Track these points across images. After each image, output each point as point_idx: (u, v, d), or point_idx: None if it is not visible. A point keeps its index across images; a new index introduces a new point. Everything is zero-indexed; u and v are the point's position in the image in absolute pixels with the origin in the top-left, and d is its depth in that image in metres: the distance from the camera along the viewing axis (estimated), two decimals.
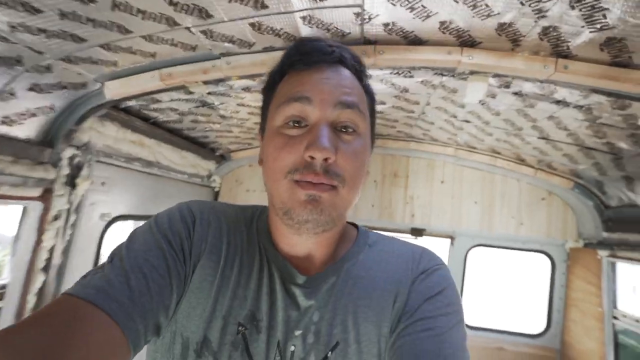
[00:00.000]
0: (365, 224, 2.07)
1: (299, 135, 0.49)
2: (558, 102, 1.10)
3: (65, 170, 1.13)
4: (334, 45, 0.54)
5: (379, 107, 1.45)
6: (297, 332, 0.49)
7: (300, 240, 0.53)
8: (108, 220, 1.43)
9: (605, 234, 1.84)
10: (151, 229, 0.51)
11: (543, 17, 0.75)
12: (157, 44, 0.90)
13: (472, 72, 0.96)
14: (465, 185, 2.14)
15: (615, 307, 1.80)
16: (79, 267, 1.26)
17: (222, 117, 1.55)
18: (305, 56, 0.52)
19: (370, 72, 1.08)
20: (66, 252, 1.21)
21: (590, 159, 1.55)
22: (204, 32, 0.87)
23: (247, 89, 1.24)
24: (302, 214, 0.47)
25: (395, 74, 1.07)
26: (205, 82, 1.08)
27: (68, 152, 1.13)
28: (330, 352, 0.48)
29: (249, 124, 1.69)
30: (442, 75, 1.06)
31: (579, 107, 1.11)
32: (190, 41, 0.91)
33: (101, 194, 1.37)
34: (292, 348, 0.49)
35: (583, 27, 0.75)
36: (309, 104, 0.49)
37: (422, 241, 2.50)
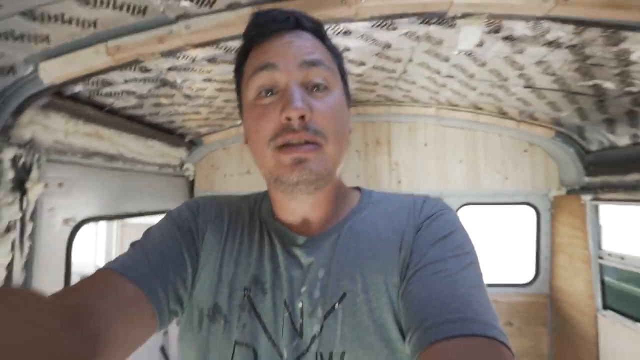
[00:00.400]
0: None
1: (272, 102, 0.50)
2: (550, 43, 1.04)
3: (9, 174, 0.97)
4: (289, 11, 0.54)
5: (358, 69, 1.34)
6: (303, 289, 0.51)
7: (296, 205, 0.55)
8: (73, 225, 1.27)
9: (587, 179, 1.87)
10: (163, 220, 0.58)
11: None
12: (95, 7, 0.74)
13: (464, 15, 0.87)
14: (448, 145, 2.10)
15: (600, 247, 1.86)
16: (46, 281, 1.12)
17: (187, 96, 1.39)
18: (263, 28, 0.53)
19: (351, 26, 0.97)
20: (28, 266, 1.06)
21: (573, 104, 1.53)
22: None
23: (212, 60, 1.10)
24: (291, 177, 0.48)
25: (377, 26, 0.96)
26: (163, 54, 0.92)
27: (8, 153, 0.96)
28: (337, 303, 0.49)
29: (218, 102, 1.54)
30: (429, 23, 0.96)
31: (571, 47, 1.05)
32: (138, 1, 0.76)
33: (60, 197, 1.21)
34: (300, 305, 0.51)
35: None
36: (275, 70, 0.50)
37: None
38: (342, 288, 0.50)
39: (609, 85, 1.28)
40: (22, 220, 1.03)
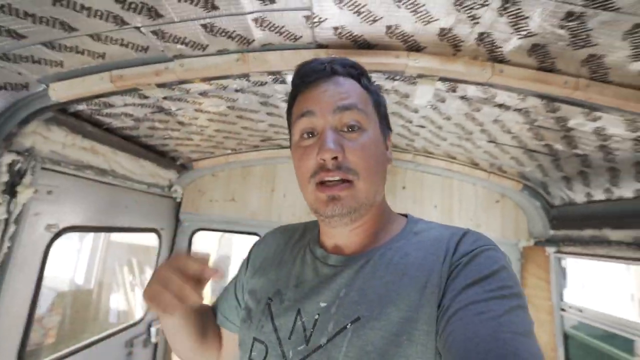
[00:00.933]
0: None
1: (312, 144, 0.59)
2: (500, 105, 1.19)
3: (4, 177, 1.06)
4: (326, 60, 0.63)
5: None
6: (323, 304, 0.57)
7: (335, 232, 0.63)
8: (55, 231, 1.34)
9: (551, 232, 1.98)
10: None
11: (477, 23, 0.82)
12: (105, 43, 0.89)
13: (419, 76, 1.02)
14: (425, 190, 2.22)
15: (562, 299, 1.92)
16: (17, 282, 1.17)
17: (181, 123, 1.53)
18: (304, 77, 0.63)
19: None
20: (3, 266, 1.12)
21: (533, 160, 1.68)
22: (154, 33, 0.86)
23: (204, 94, 1.24)
24: (327, 211, 0.57)
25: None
26: (159, 85, 1.06)
27: (7, 158, 1.06)
28: (350, 324, 0.53)
29: (209, 131, 1.67)
30: (394, 79, 1.11)
31: (518, 110, 1.20)
32: (142, 42, 0.90)
33: (47, 203, 1.29)
34: (316, 316, 0.57)
35: (512, 33, 0.83)
36: (313, 116, 0.59)
37: None
38: (357, 311, 0.53)
39: (558, 146, 1.43)
40: (7, 221, 1.10)
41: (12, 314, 1.18)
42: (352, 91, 0.61)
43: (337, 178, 0.56)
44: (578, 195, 1.73)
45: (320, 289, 0.59)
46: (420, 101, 1.14)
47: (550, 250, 1.95)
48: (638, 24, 0.70)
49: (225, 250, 5.33)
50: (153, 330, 2.14)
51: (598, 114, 1.06)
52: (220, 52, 0.98)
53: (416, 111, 1.41)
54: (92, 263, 6.32)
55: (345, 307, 0.55)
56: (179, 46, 0.93)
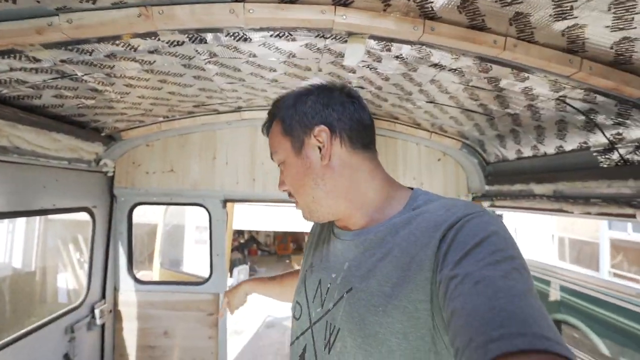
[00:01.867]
0: (275, 197, 2.02)
1: None
2: (435, 65, 1.16)
3: None
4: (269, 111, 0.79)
5: (271, 75, 1.38)
6: (333, 275, 0.68)
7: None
8: None
9: (487, 187, 2.10)
10: None
11: None
12: None
13: (349, 34, 0.94)
14: None
15: None
16: None
17: (95, 90, 1.34)
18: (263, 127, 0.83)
19: (250, 34, 1.00)
20: None
21: (470, 120, 1.71)
22: None
23: (112, 56, 1.07)
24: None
25: (275, 36, 1.01)
26: (46, 46, 0.89)
27: None
28: (345, 293, 0.63)
29: (131, 98, 1.49)
30: (324, 37, 1.03)
31: (453, 70, 1.18)
32: None
33: None
34: (328, 285, 0.68)
35: None
36: None
37: None
38: (351, 283, 0.63)
39: (492, 106, 1.46)
40: None
41: None
42: (272, 138, 0.76)
43: (292, 200, 0.76)
44: (510, 152, 1.82)
45: (333, 262, 0.71)
46: (351, 61, 1.07)
47: (485, 204, 2.08)
48: None
49: (178, 219, 5.14)
50: (97, 311, 2.04)
51: (526, 74, 1.08)
52: (117, 5, 0.82)
53: (354, 72, 1.35)
54: (29, 244, 5.84)
55: (345, 279, 0.65)
56: None
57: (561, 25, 0.83)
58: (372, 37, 0.95)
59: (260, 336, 5.56)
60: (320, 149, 0.68)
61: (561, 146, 1.48)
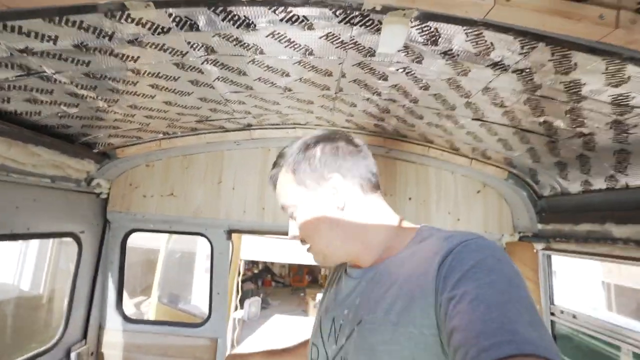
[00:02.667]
0: (285, 230, 1.73)
1: None
2: (495, 64, 0.88)
3: None
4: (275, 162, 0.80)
5: (283, 81, 1.14)
6: (346, 311, 0.71)
7: None
8: None
9: (540, 226, 1.73)
10: None
11: None
12: None
13: (387, 9, 0.68)
14: (398, 180, 1.92)
15: (552, 302, 1.69)
16: None
17: (74, 95, 1.13)
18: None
19: (252, 15, 0.76)
20: None
21: (524, 143, 1.40)
22: None
23: (81, 46, 0.85)
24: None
25: (286, 20, 0.76)
26: None
27: None
28: (356, 326, 0.65)
29: (120, 108, 1.27)
30: (351, 23, 0.77)
31: (519, 72, 0.90)
32: None
33: None
34: (341, 322, 0.71)
35: None
36: None
37: None
38: (361, 316, 0.64)
39: (559, 123, 1.15)
40: None
41: None
42: (280, 189, 0.77)
43: (305, 247, 0.78)
44: (573, 184, 1.48)
45: (345, 299, 0.72)
46: (389, 48, 0.81)
47: (539, 246, 1.71)
48: None
49: (183, 246, 4.86)
50: (74, 355, 1.75)
51: (627, 73, 0.78)
52: None
53: (385, 79, 1.09)
54: (40, 267, 5.70)
55: (355, 313, 0.66)
56: None
57: None
58: (419, 15, 0.69)
59: None
60: (334, 196, 0.71)
61: None
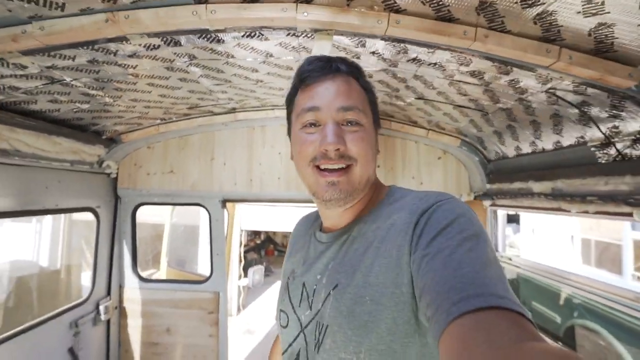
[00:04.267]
0: (273, 197, 2.04)
1: (314, 133, 0.66)
2: (414, 59, 1.14)
3: None
4: (332, 59, 0.70)
5: (254, 75, 1.39)
6: (319, 276, 0.69)
7: (330, 213, 0.72)
8: None
9: (488, 186, 2.03)
10: None
11: None
12: None
13: (315, 30, 0.94)
14: None
15: (497, 250, 2.02)
16: None
17: (87, 95, 1.39)
18: (311, 72, 0.68)
19: (220, 35, 1.01)
20: None
21: (465, 116, 1.66)
22: None
23: (93, 62, 1.11)
24: (325, 195, 0.65)
25: (246, 36, 1.01)
26: (25, 53, 0.93)
27: None
28: (331, 290, 0.64)
29: (124, 101, 1.54)
30: (296, 36, 1.02)
31: (433, 65, 1.15)
32: None
33: None
34: (314, 287, 0.69)
35: None
36: (318, 111, 0.66)
37: None
38: (337, 280, 0.64)
39: (483, 101, 1.41)
40: None
41: None
42: (353, 91, 0.68)
43: (337, 166, 0.64)
44: (509, 149, 1.75)
45: (316, 264, 0.72)
46: None
47: (487, 203, 2.01)
48: None
49: (184, 219, 5.25)
50: (102, 307, 2.12)
51: (507, 66, 1.03)
52: (85, 12, 0.85)
53: None
54: (55, 245, 6.13)
55: (330, 277, 0.66)
56: (27, 5, 0.80)
57: (531, 12, 0.79)
58: (338, 32, 0.94)
59: (272, 336, 5.60)
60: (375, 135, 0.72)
61: (559, 141, 1.41)
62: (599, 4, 0.71)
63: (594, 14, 0.75)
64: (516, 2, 0.76)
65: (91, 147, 1.86)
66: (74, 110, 1.52)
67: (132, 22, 0.87)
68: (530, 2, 0.75)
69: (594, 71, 0.89)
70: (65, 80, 1.22)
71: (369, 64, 1.24)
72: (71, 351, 1.87)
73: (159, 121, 1.96)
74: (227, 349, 2.30)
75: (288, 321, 0.73)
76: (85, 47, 0.98)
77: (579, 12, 0.75)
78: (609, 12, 0.73)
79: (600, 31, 0.80)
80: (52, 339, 1.76)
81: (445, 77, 1.24)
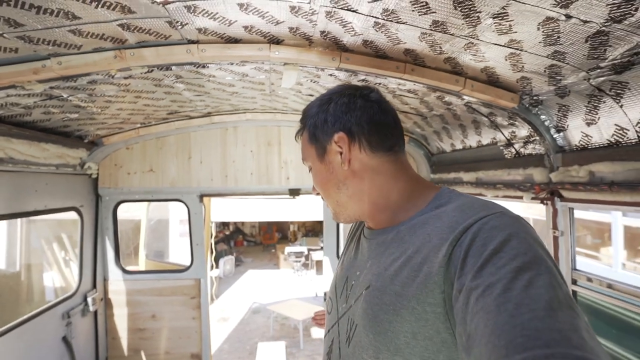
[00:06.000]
0: (246, 191, 2.30)
1: None
2: (362, 80, 1.43)
3: None
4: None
5: (231, 89, 1.62)
6: (358, 273, 0.70)
7: None
8: None
9: (432, 175, 2.40)
10: None
11: (315, 24, 1.00)
12: None
13: (285, 63, 1.20)
14: None
15: None
16: None
17: (78, 107, 1.55)
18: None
19: (209, 65, 1.24)
20: None
21: (409, 119, 2.00)
22: (20, 38, 0.92)
23: (93, 82, 1.29)
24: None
25: (227, 63, 1.25)
26: (40, 82, 1.11)
27: None
28: (364, 290, 0.64)
29: (111, 111, 1.70)
30: (270, 64, 1.28)
31: (378, 84, 1.45)
32: (9, 44, 0.95)
33: None
34: (352, 282, 0.70)
35: (345, 32, 1.03)
36: None
37: (299, 200, 2.85)
38: (370, 281, 0.63)
39: (421, 109, 1.74)
40: None
41: None
42: (302, 145, 0.76)
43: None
44: (446, 145, 2.12)
45: (358, 260, 0.73)
46: (287, 84, 1.33)
47: None
48: (424, 31, 0.94)
49: (162, 214, 5.35)
50: (90, 299, 2.27)
51: (431, 90, 1.35)
52: (97, 50, 1.05)
53: (301, 84, 1.61)
54: (12, 246, 5.91)
55: (366, 276, 0.66)
56: (50, 47, 0.99)
57: (440, 57, 1.10)
58: (302, 66, 1.21)
59: (246, 322, 5.87)
60: (340, 154, 0.68)
61: (480, 141, 1.79)
62: (482, 55, 1.03)
63: (480, 61, 1.07)
64: (429, 51, 1.07)
65: (75, 150, 2.00)
66: (63, 119, 1.66)
67: (136, 57, 1.08)
68: (437, 52, 1.06)
69: (488, 95, 1.23)
70: (62, 96, 1.38)
71: (327, 82, 1.51)
72: (65, 339, 2.04)
73: (139, 125, 2.12)
74: (210, 330, 2.55)
75: (331, 308, 0.77)
76: (94, 74, 1.17)
77: (471, 59, 1.08)
78: (488, 61, 1.06)
79: (487, 70, 1.13)
80: (48, 328, 1.92)
81: (389, 92, 1.55)
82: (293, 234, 12.58)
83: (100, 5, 0.83)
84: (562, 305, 0.39)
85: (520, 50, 0.93)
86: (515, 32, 0.85)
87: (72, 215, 2.21)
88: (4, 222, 5.42)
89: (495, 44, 0.93)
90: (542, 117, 1.28)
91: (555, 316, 0.37)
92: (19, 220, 5.17)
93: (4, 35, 0.89)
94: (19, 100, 1.33)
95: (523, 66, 1.02)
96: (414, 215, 0.64)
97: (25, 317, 1.77)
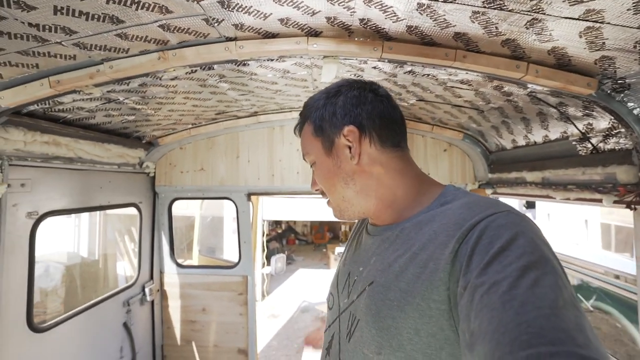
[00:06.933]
0: (292, 190, 2.29)
1: None
2: (409, 72, 1.32)
3: None
4: (299, 117, 0.79)
5: (274, 87, 1.61)
6: (361, 268, 0.70)
7: None
8: (36, 217, 1.53)
9: (490, 175, 2.19)
10: None
11: (354, 12, 0.94)
12: (35, 56, 1.00)
13: (325, 56, 1.14)
14: None
15: None
16: (11, 265, 1.39)
17: (133, 109, 1.65)
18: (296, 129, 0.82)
19: (250, 62, 1.24)
20: None
21: (463, 113, 1.83)
22: (76, 45, 0.98)
23: (143, 85, 1.36)
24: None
25: (268, 60, 1.23)
26: (97, 85, 1.19)
27: None
28: (367, 286, 0.64)
29: (163, 112, 1.79)
30: (309, 58, 1.23)
31: (426, 75, 1.33)
32: (68, 52, 1.02)
33: (23, 194, 1.47)
34: (355, 278, 0.70)
35: (386, 18, 0.95)
36: None
37: None
38: (374, 277, 0.63)
39: (477, 102, 1.58)
40: None
41: (14, 290, 1.41)
42: (303, 139, 0.76)
43: (326, 200, 0.77)
44: (506, 141, 1.91)
45: (362, 256, 0.72)
46: (327, 77, 1.27)
47: (489, 191, 2.18)
48: (476, 9, 0.83)
49: (211, 211, 5.64)
50: (147, 290, 2.44)
51: (489, 77, 1.21)
52: (143, 53, 1.09)
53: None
54: (93, 237, 6.68)
55: (369, 272, 0.65)
56: (102, 52, 1.05)
57: (497, 39, 0.97)
58: (343, 58, 1.14)
59: (295, 320, 5.95)
60: (350, 148, 0.68)
61: (547, 135, 1.57)
62: (548, 33, 0.88)
63: (547, 41, 0.92)
64: (483, 33, 0.94)
65: (134, 150, 2.15)
66: (122, 121, 1.79)
67: (178, 58, 1.10)
68: (493, 33, 0.93)
69: (558, 82, 1.06)
70: (119, 99, 1.48)
71: (371, 75, 1.43)
72: (125, 325, 2.20)
73: (190, 125, 2.22)
74: (256, 326, 2.59)
75: (333, 304, 0.76)
76: (140, 76, 1.22)
77: (535, 40, 0.93)
78: (557, 39, 0.90)
79: (556, 51, 0.97)
80: (111, 314, 2.09)
81: (439, 84, 1.42)
82: (344, 234, 12.55)
83: (139, 7, 0.85)
84: (568, 304, 0.39)
85: (601, 22, 0.77)
86: (594, 0, 0.70)
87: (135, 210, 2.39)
88: (86, 216, 6.11)
89: (567, 18, 0.78)
90: (630, 104, 1.07)
91: (560, 315, 0.37)
92: (97, 213, 5.80)
93: (63, 43, 0.96)
94: (84, 105, 1.44)
95: (604, 43, 0.85)
96: (420, 212, 0.64)
97: (93, 301, 1.94)
